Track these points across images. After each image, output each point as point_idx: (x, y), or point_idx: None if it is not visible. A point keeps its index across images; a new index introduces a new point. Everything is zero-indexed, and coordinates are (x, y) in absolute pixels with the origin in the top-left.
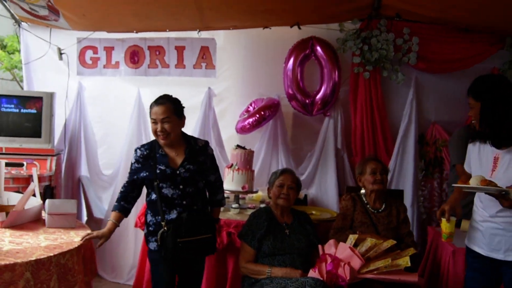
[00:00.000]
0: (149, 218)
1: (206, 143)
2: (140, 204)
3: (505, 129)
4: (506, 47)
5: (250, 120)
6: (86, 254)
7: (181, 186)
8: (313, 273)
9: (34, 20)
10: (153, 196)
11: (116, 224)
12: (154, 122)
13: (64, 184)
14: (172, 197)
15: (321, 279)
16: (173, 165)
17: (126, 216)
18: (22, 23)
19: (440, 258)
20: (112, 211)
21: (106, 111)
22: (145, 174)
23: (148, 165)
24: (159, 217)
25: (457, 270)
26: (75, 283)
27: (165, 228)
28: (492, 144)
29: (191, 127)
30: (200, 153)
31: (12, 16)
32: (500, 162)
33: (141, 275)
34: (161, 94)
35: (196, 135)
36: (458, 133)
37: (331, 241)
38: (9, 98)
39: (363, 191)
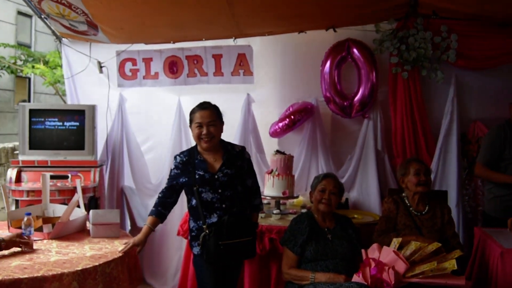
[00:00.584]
0: (191, 224)
1: (243, 148)
2: (183, 212)
3: None
4: None
5: (281, 124)
6: (131, 262)
7: (219, 190)
8: (357, 278)
9: (74, 36)
10: (193, 201)
11: (152, 229)
12: (199, 126)
13: (107, 195)
14: (211, 201)
15: (366, 283)
16: (212, 170)
17: (162, 221)
18: (63, 39)
19: (488, 259)
20: (148, 215)
21: (148, 121)
22: (184, 180)
23: (187, 171)
24: (200, 222)
25: (506, 271)
26: None
27: (207, 231)
28: None
29: (231, 133)
30: (237, 157)
31: (53, 33)
32: None
33: (184, 282)
34: (202, 101)
35: (236, 140)
36: (490, 131)
37: (375, 245)
38: (52, 112)
39: (405, 193)
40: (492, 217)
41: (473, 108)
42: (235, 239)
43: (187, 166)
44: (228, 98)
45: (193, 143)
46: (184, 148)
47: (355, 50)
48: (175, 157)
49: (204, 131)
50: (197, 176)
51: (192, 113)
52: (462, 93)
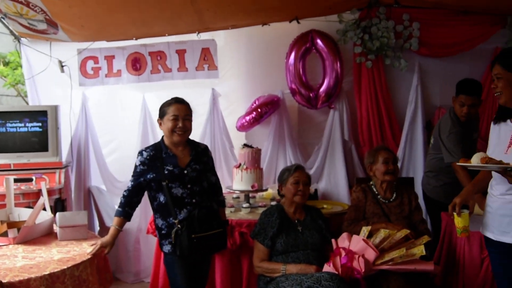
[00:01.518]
0: (160, 222)
1: (206, 146)
2: (151, 211)
3: None
4: (507, 26)
5: (248, 117)
6: (100, 263)
7: (189, 185)
8: (328, 268)
9: (34, 35)
10: (161, 198)
11: (119, 229)
12: (175, 118)
13: (74, 196)
14: (181, 197)
15: (337, 273)
16: (181, 165)
17: (129, 220)
18: (22, 38)
19: (455, 243)
20: (115, 216)
21: (113, 119)
22: (152, 176)
23: (155, 166)
24: (171, 218)
25: (473, 254)
26: None
27: (179, 226)
28: None
29: (198, 128)
30: (203, 154)
31: (11, 33)
32: None
33: (156, 280)
34: (167, 98)
35: (204, 135)
36: (449, 128)
37: (344, 235)
38: (13, 114)
39: (372, 182)
40: (435, 201)
41: (437, 95)
42: (207, 231)
43: (154, 161)
44: (194, 93)
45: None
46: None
47: (319, 41)
48: (140, 153)
49: (180, 124)
50: (166, 172)
51: (165, 106)
52: (426, 80)
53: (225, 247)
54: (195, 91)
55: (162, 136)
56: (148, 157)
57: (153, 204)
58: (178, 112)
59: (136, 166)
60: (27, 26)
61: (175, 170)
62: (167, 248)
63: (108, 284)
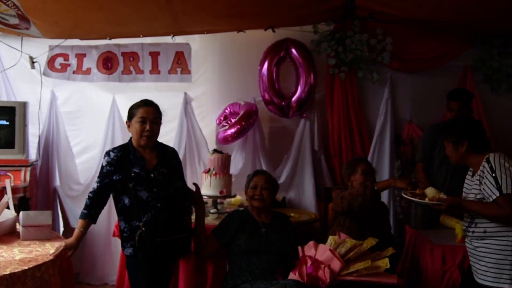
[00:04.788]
0: (122, 224)
1: (174, 149)
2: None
3: None
4: (477, 44)
5: (230, 131)
6: (63, 265)
7: (155, 189)
8: (293, 276)
9: (5, 29)
10: (126, 200)
11: (84, 232)
12: (143, 121)
13: (39, 195)
14: (147, 200)
15: (302, 281)
16: (148, 167)
17: (95, 223)
18: None
19: (418, 256)
20: (80, 218)
21: (81, 119)
22: (118, 177)
23: (121, 167)
24: (135, 221)
25: (435, 267)
26: None
27: (143, 229)
28: None
29: (169, 132)
30: (171, 158)
31: None
32: None
33: (121, 282)
34: (138, 100)
35: (174, 139)
36: (426, 130)
37: (311, 243)
38: None
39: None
40: None
41: (407, 109)
42: (171, 236)
43: (121, 162)
44: (165, 96)
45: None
46: None
47: (293, 50)
48: (107, 153)
49: (148, 127)
50: (133, 174)
51: (133, 108)
52: (397, 94)
53: (189, 252)
54: (167, 94)
55: (131, 138)
56: (115, 158)
57: (117, 206)
58: (146, 114)
59: (102, 167)
60: None
61: (142, 172)
62: (128, 251)
63: (71, 286)
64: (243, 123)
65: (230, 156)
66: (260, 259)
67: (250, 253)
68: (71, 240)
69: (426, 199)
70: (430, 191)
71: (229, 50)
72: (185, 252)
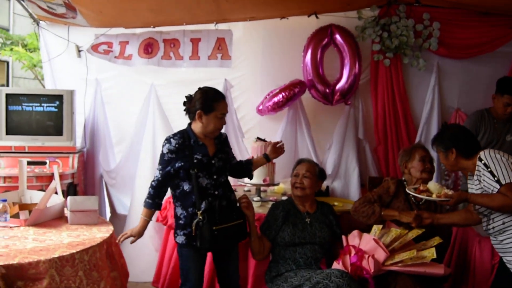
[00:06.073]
0: (179, 211)
1: (226, 135)
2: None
3: None
4: None
5: (278, 98)
6: (110, 249)
7: (215, 176)
8: (337, 265)
9: (52, 19)
10: (186, 186)
11: (149, 220)
12: (222, 117)
13: (86, 182)
14: (206, 187)
15: (346, 271)
16: (210, 154)
17: (160, 209)
18: (41, 22)
19: (465, 247)
20: (145, 207)
21: (124, 106)
22: (180, 164)
23: (183, 154)
24: (191, 208)
25: (484, 259)
26: (101, 279)
27: (200, 217)
28: None
29: None
30: (225, 144)
31: (31, 16)
32: None
33: (159, 270)
34: (176, 86)
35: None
36: (469, 116)
37: (355, 232)
38: (30, 96)
39: (404, 178)
40: None
41: (455, 96)
42: (228, 222)
43: (183, 149)
44: (205, 84)
45: (170, 129)
46: (161, 133)
47: (338, 36)
48: (168, 140)
49: (224, 122)
50: (195, 160)
51: (213, 101)
52: (444, 81)
53: (246, 237)
54: (206, 83)
55: (189, 124)
56: (176, 145)
57: (175, 191)
58: (226, 110)
59: (163, 154)
60: (46, 10)
61: (204, 159)
62: (181, 239)
63: (123, 269)
64: (291, 88)
65: None
66: (304, 248)
67: (294, 245)
68: (137, 228)
69: (434, 195)
70: (434, 187)
71: (272, 37)
72: (242, 238)
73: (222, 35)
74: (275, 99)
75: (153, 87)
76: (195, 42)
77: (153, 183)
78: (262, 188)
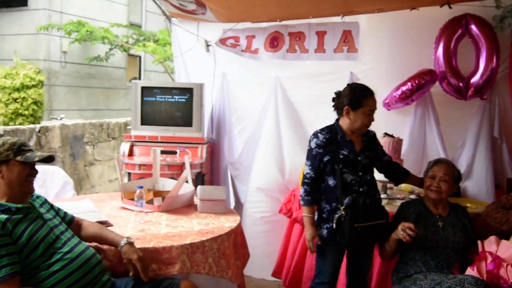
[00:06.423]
0: (323, 205)
1: (375, 133)
2: (286, 191)
3: None
4: None
5: (406, 87)
6: (236, 239)
7: (360, 173)
8: (471, 271)
9: (183, 15)
10: (331, 181)
11: (313, 217)
12: (370, 114)
13: (212, 172)
14: (350, 183)
15: (482, 278)
16: (356, 151)
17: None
18: (172, 18)
19: None
20: (304, 206)
21: (247, 99)
22: (327, 159)
23: (330, 149)
24: (335, 203)
25: None
26: (229, 267)
27: (343, 213)
28: None
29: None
30: (372, 141)
31: (163, 13)
32: None
33: (282, 262)
34: (301, 81)
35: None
36: None
37: (492, 238)
38: (162, 89)
39: None
40: None
41: None
42: (371, 221)
43: (330, 144)
44: (329, 77)
45: (298, 120)
46: (287, 128)
47: (473, 27)
48: (315, 135)
49: (372, 119)
50: (341, 156)
51: (362, 97)
52: None
53: (386, 238)
54: (329, 76)
55: (337, 119)
56: (324, 140)
57: (321, 185)
58: (374, 106)
59: (311, 149)
60: (177, 7)
61: (350, 155)
62: (323, 232)
63: (245, 259)
64: (422, 77)
65: (401, 140)
66: (436, 251)
67: (426, 249)
68: (308, 231)
69: None
70: None
71: (400, 28)
72: (381, 238)
73: (348, 27)
74: (403, 88)
75: (278, 80)
76: (320, 35)
77: (306, 180)
78: (388, 185)
